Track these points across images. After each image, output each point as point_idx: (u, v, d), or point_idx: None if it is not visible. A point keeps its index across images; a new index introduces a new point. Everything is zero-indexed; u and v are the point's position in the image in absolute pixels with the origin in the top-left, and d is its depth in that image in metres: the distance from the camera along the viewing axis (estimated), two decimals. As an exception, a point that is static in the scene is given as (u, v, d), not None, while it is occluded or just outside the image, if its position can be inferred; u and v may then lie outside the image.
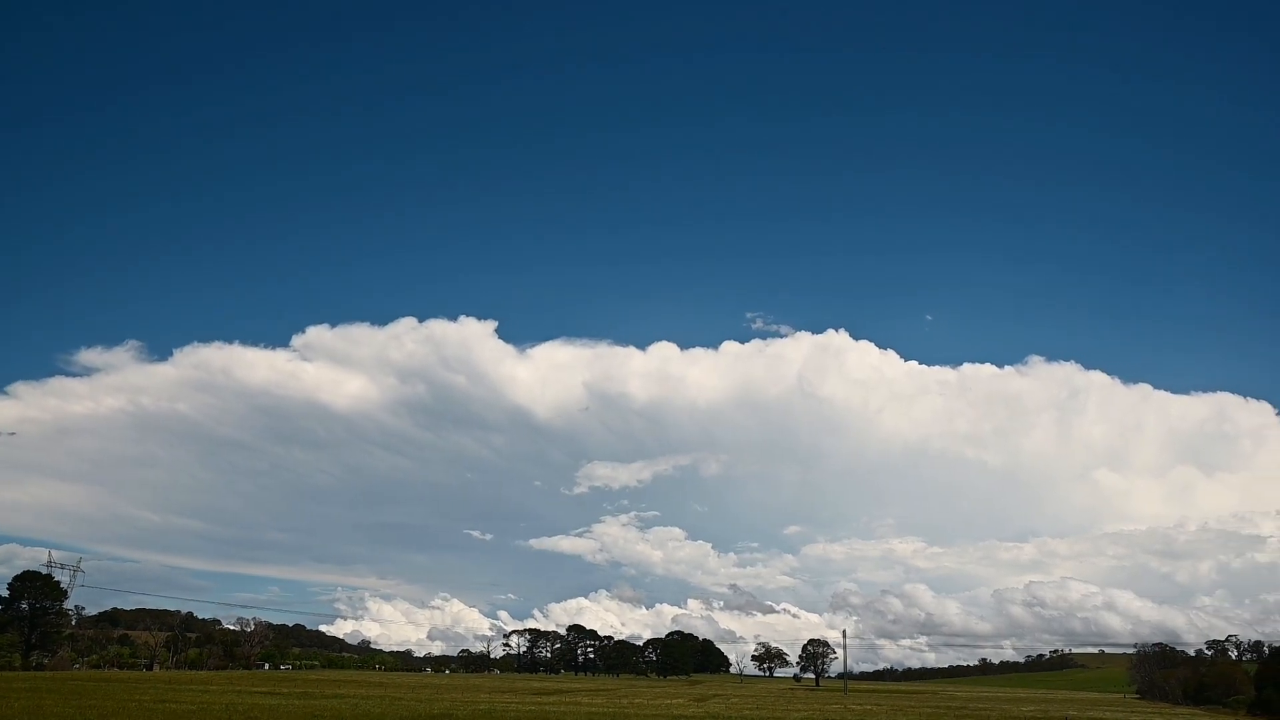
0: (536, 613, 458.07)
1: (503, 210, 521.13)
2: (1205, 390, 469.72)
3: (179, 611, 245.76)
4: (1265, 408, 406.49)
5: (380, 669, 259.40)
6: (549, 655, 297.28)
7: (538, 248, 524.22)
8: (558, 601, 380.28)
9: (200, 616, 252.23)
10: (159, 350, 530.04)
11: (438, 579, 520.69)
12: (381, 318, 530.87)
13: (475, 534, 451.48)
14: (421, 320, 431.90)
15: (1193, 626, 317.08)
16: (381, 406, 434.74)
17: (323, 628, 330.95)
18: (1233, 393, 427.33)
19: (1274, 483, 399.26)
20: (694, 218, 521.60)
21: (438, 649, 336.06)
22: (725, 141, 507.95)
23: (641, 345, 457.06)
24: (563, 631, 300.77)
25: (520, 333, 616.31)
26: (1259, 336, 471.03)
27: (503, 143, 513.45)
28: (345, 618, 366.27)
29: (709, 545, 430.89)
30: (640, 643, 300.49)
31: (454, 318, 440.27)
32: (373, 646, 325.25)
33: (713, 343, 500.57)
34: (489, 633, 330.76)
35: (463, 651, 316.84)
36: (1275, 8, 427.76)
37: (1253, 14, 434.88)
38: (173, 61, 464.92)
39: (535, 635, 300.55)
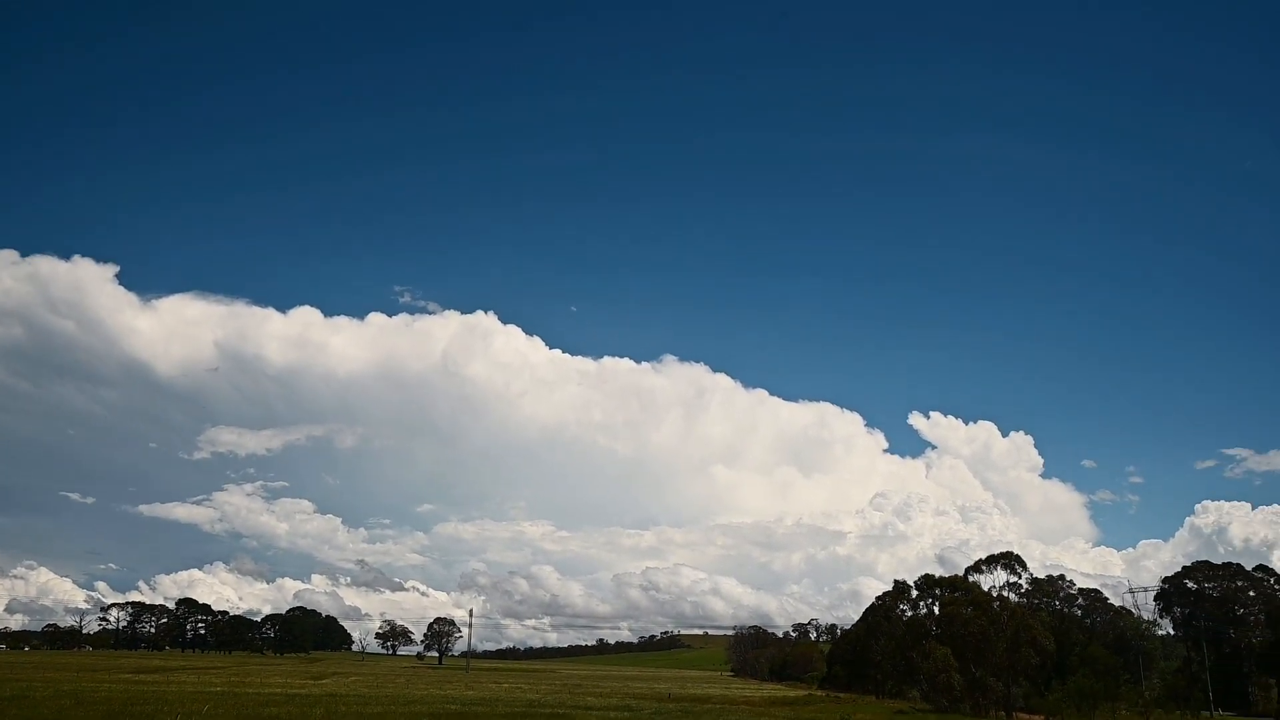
0: (142, 584, 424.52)
1: (134, 146, 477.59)
2: (810, 399, 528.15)
3: None
4: (856, 418, 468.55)
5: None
6: (153, 631, 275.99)
7: (172, 192, 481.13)
8: (168, 573, 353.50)
9: None
10: None
11: (23, 545, 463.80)
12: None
13: (74, 497, 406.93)
14: (24, 255, 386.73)
15: (783, 611, 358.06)
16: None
17: None
18: (832, 403, 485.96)
19: (856, 485, 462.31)
20: (346, 182, 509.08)
21: (18, 623, 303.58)
22: (381, 111, 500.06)
23: (282, 308, 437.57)
24: (171, 605, 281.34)
25: (146, 281, 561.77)
26: (855, 352, 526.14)
27: (148, 68, 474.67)
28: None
29: (339, 519, 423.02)
30: (259, 618, 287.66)
31: (66, 256, 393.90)
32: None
33: (358, 313, 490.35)
34: (84, 606, 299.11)
35: (49, 626, 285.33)
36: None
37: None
38: None
39: (139, 609, 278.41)
